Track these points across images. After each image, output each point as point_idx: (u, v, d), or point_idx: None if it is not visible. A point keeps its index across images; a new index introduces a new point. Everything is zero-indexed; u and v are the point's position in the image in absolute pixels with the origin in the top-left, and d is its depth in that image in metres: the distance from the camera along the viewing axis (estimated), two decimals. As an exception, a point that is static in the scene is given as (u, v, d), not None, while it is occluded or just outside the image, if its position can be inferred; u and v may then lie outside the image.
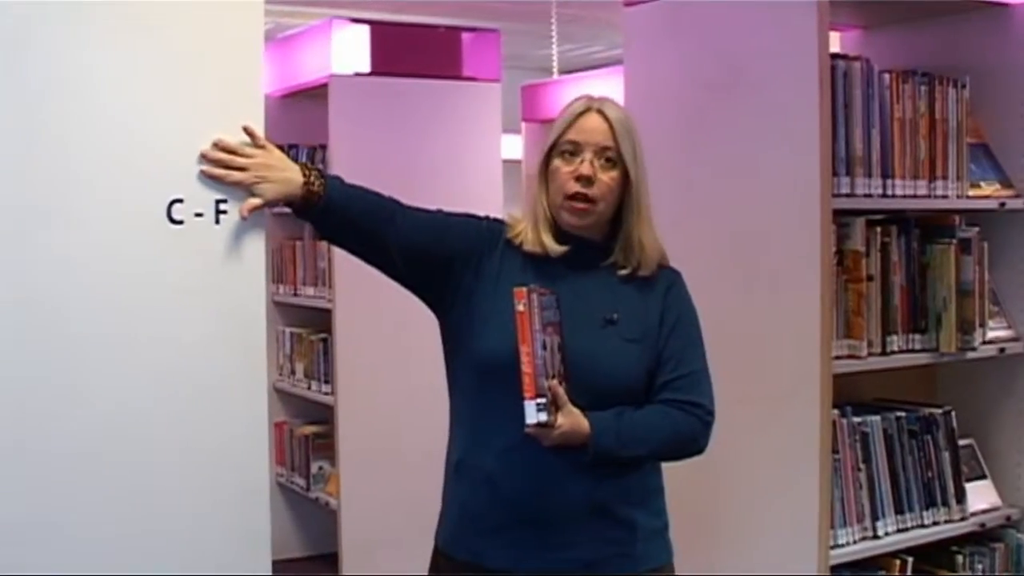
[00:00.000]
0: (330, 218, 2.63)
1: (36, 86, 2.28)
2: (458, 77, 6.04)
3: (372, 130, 5.74)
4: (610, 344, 2.61)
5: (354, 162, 5.45)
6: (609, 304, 2.63)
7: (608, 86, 6.99)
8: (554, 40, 8.36)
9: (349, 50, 5.79)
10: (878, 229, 3.46)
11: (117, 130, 2.35)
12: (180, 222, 2.41)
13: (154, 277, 2.39)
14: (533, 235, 2.66)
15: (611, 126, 2.63)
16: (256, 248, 2.51)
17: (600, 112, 2.64)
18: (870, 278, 3.43)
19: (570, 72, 8.85)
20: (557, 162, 2.64)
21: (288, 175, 2.55)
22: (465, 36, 6.14)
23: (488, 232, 2.72)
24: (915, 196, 3.52)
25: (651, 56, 3.92)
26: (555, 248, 2.64)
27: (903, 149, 3.50)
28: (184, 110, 2.42)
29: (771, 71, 3.42)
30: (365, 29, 5.83)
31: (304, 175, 2.57)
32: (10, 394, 2.26)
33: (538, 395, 2.44)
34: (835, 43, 3.93)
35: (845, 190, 3.35)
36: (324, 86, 5.75)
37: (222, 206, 2.45)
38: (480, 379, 2.63)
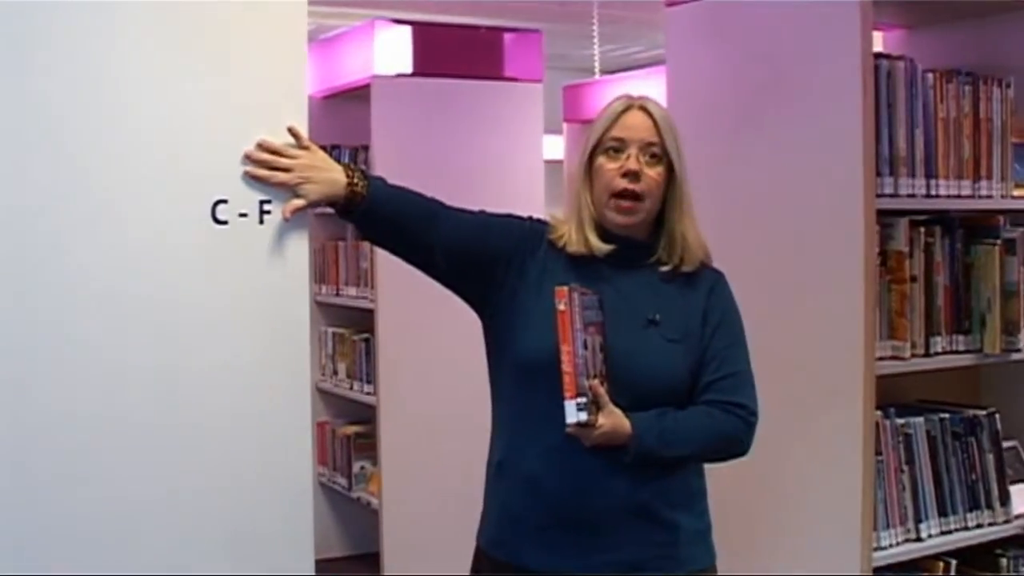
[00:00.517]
0: (373, 219, 2.64)
1: (81, 88, 2.30)
2: (500, 78, 6.05)
3: (414, 131, 5.76)
4: (652, 344, 2.60)
5: (396, 162, 5.46)
6: (652, 304, 2.63)
7: (650, 86, 6.99)
8: (595, 40, 8.35)
9: (391, 51, 5.80)
10: (922, 229, 3.44)
11: (162, 131, 2.37)
12: (224, 222, 2.43)
13: (198, 277, 2.41)
14: (577, 235, 2.66)
15: (655, 122, 2.63)
16: (299, 248, 2.52)
17: (643, 109, 2.65)
18: (913, 279, 3.41)
19: (611, 72, 8.84)
20: (601, 159, 2.64)
21: (332, 176, 2.56)
22: (507, 37, 6.15)
23: (530, 232, 2.72)
24: (959, 196, 3.50)
25: (693, 56, 3.91)
26: (601, 247, 2.63)
27: (947, 149, 3.47)
28: (228, 111, 2.44)
29: (814, 71, 3.41)
30: (407, 30, 5.85)
31: (347, 176, 2.59)
32: (57, 394, 2.28)
33: (578, 394, 2.43)
34: (878, 43, 3.91)
35: (889, 190, 3.33)
36: (367, 87, 5.77)
37: (266, 206, 2.47)
38: (522, 380, 2.63)
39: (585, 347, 2.46)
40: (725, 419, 2.61)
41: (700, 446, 2.62)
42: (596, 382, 2.47)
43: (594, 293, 2.53)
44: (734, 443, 2.65)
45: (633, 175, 2.60)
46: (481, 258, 2.68)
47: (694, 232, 2.67)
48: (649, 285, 2.65)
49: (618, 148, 2.63)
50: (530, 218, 2.78)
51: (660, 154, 2.62)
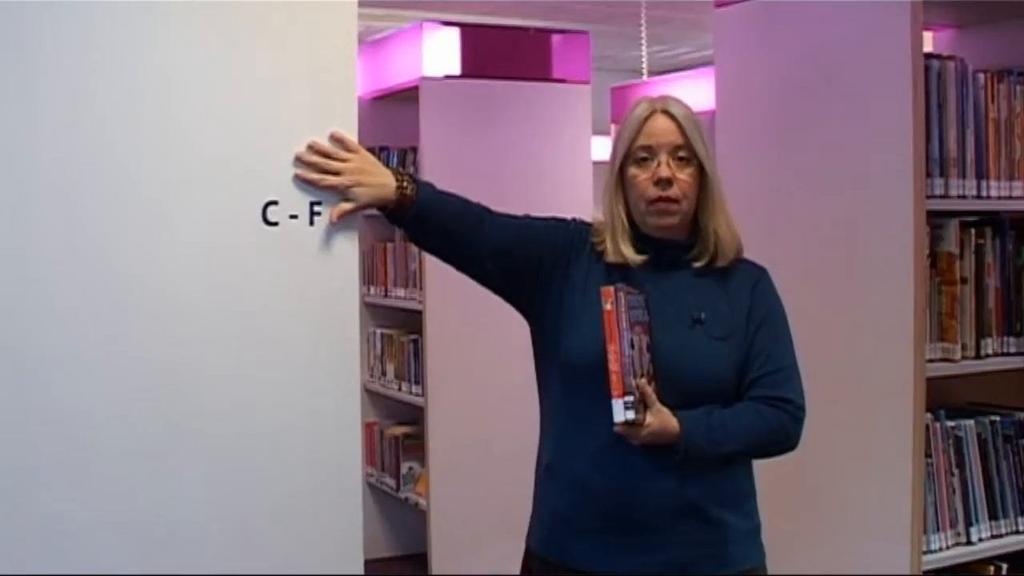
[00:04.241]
0: (422, 224, 2.66)
1: (133, 91, 2.32)
2: (548, 79, 6.05)
3: (462, 132, 5.77)
4: (698, 343, 2.60)
5: (445, 164, 5.49)
6: (696, 303, 2.63)
7: (698, 87, 6.99)
8: (643, 42, 8.35)
9: (440, 53, 5.82)
10: (972, 231, 3.41)
11: (213, 133, 2.39)
12: (275, 224, 2.44)
13: (249, 278, 2.43)
14: (612, 246, 2.66)
15: (679, 124, 2.62)
16: (349, 249, 2.53)
17: (665, 112, 2.64)
18: (964, 280, 3.39)
19: (659, 74, 8.83)
20: (633, 170, 2.64)
21: (382, 180, 2.58)
22: (555, 38, 6.15)
23: (576, 235, 2.73)
24: (1010, 197, 3.47)
25: (742, 57, 3.90)
26: (635, 259, 2.64)
27: (998, 150, 3.45)
28: (279, 113, 2.45)
29: (864, 71, 3.39)
30: (455, 32, 5.86)
31: (397, 180, 2.60)
32: (108, 395, 2.30)
33: (626, 393, 2.44)
34: (928, 43, 3.89)
35: (939, 191, 3.31)
36: (415, 88, 5.78)
37: (316, 208, 2.48)
38: (569, 381, 2.63)
39: (632, 346, 2.47)
40: (772, 415, 2.60)
41: (748, 443, 2.61)
42: (643, 381, 2.48)
43: (640, 293, 2.54)
44: (782, 438, 2.64)
45: (666, 182, 2.60)
46: (527, 262, 2.69)
47: (726, 227, 2.67)
48: (690, 284, 2.66)
49: (647, 156, 2.63)
50: (574, 220, 2.79)
51: (688, 156, 2.62)
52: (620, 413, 2.45)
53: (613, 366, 2.44)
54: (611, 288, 2.47)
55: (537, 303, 2.71)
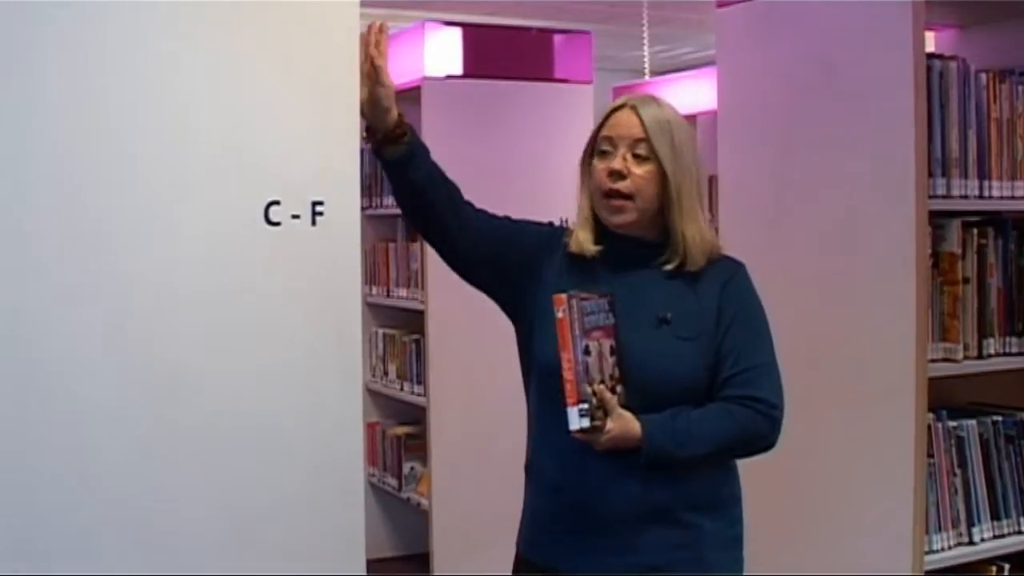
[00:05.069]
0: (408, 170, 2.66)
1: (134, 91, 2.32)
2: (550, 79, 6.05)
3: (464, 132, 5.77)
4: (664, 344, 2.57)
5: (446, 164, 5.41)
6: (662, 303, 2.60)
7: (700, 87, 6.99)
8: (645, 42, 8.34)
9: (442, 53, 5.81)
10: (974, 231, 3.41)
11: (215, 133, 2.40)
12: (277, 224, 2.45)
13: (251, 278, 2.43)
14: (573, 236, 2.67)
15: (641, 121, 2.59)
16: (351, 249, 2.54)
17: (633, 108, 2.62)
18: (966, 280, 3.38)
19: (661, 74, 8.83)
20: (595, 161, 2.64)
21: (393, 105, 2.63)
22: (557, 38, 6.15)
23: (550, 236, 2.74)
24: (1012, 197, 3.47)
25: (744, 57, 3.90)
26: (590, 248, 2.64)
27: (1000, 150, 3.45)
28: (281, 113, 2.46)
29: (866, 71, 3.39)
30: (457, 32, 5.86)
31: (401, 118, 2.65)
32: (108, 393, 2.31)
33: (580, 401, 2.42)
34: (930, 43, 3.88)
35: (941, 191, 3.31)
36: (417, 88, 5.77)
37: (318, 208, 2.49)
38: (542, 383, 2.64)
39: (587, 352, 2.45)
40: (743, 414, 2.55)
41: (718, 444, 2.56)
42: (602, 387, 2.46)
43: (602, 296, 2.53)
44: (755, 438, 2.59)
45: (617, 174, 2.59)
46: (500, 260, 2.72)
47: (694, 231, 2.61)
48: (659, 285, 2.62)
49: (609, 149, 2.62)
50: (551, 224, 2.81)
51: (647, 154, 2.59)
52: (575, 421, 2.43)
53: (567, 374, 2.43)
54: (563, 295, 2.45)
55: (513, 304, 2.74)
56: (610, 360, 2.50)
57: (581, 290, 2.52)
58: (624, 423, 2.48)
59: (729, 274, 2.66)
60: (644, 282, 2.62)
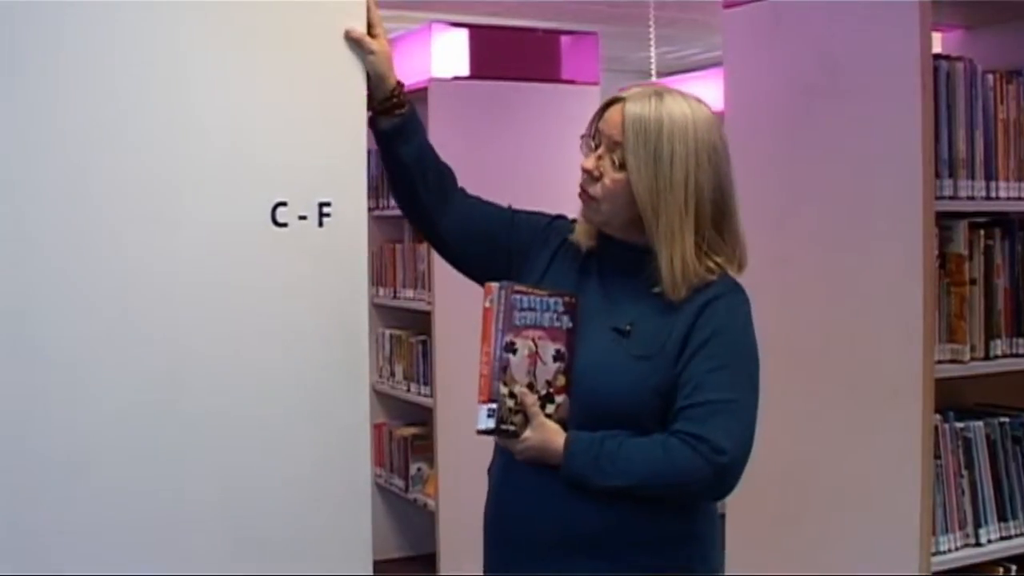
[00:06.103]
0: (402, 143, 2.60)
1: (141, 92, 2.32)
2: (557, 80, 6.06)
3: (471, 133, 5.77)
4: (613, 358, 2.34)
5: (453, 165, 5.43)
6: (628, 314, 2.37)
7: (707, 88, 6.97)
8: (652, 42, 8.33)
9: (449, 54, 5.82)
10: (981, 232, 3.41)
11: (222, 134, 2.39)
12: (284, 225, 2.45)
13: (258, 279, 2.43)
14: (576, 228, 2.53)
15: (623, 122, 2.35)
16: (358, 250, 2.54)
17: (623, 105, 2.37)
18: (973, 281, 3.38)
19: (668, 75, 8.83)
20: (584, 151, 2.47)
21: (392, 72, 2.58)
22: (564, 39, 6.16)
23: (546, 228, 2.60)
24: (1019, 198, 3.47)
25: (751, 58, 3.90)
26: (585, 243, 2.49)
27: (1007, 151, 3.44)
28: (288, 114, 2.46)
29: (873, 72, 3.39)
30: (464, 33, 5.87)
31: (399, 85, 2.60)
32: (114, 392, 2.31)
33: (491, 400, 2.30)
34: (937, 43, 3.88)
35: (948, 192, 3.31)
36: (424, 90, 5.77)
37: (325, 209, 2.48)
38: None
39: (510, 350, 2.31)
40: (682, 454, 2.24)
41: (643, 479, 2.27)
42: (524, 390, 2.32)
43: (557, 295, 2.37)
44: (691, 482, 2.27)
45: (586, 175, 2.40)
46: (489, 246, 2.59)
47: (674, 255, 2.33)
48: (638, 294, 2.38)
49: (596, 143, 2.41)
50: (560, 216, 2.64)
51: (622, 160, 2.34)
52: (482, 420, 2.31)
53: (482, 368, 2.30)
54: (493, 284, 2.33)
55: None
56: (552, 366, 2.34)
57: (556, 288, 2.39)
58: (545, 435, 2.32)
59: (715, 294, 2.36)
60: (624, 289, 2.41)
